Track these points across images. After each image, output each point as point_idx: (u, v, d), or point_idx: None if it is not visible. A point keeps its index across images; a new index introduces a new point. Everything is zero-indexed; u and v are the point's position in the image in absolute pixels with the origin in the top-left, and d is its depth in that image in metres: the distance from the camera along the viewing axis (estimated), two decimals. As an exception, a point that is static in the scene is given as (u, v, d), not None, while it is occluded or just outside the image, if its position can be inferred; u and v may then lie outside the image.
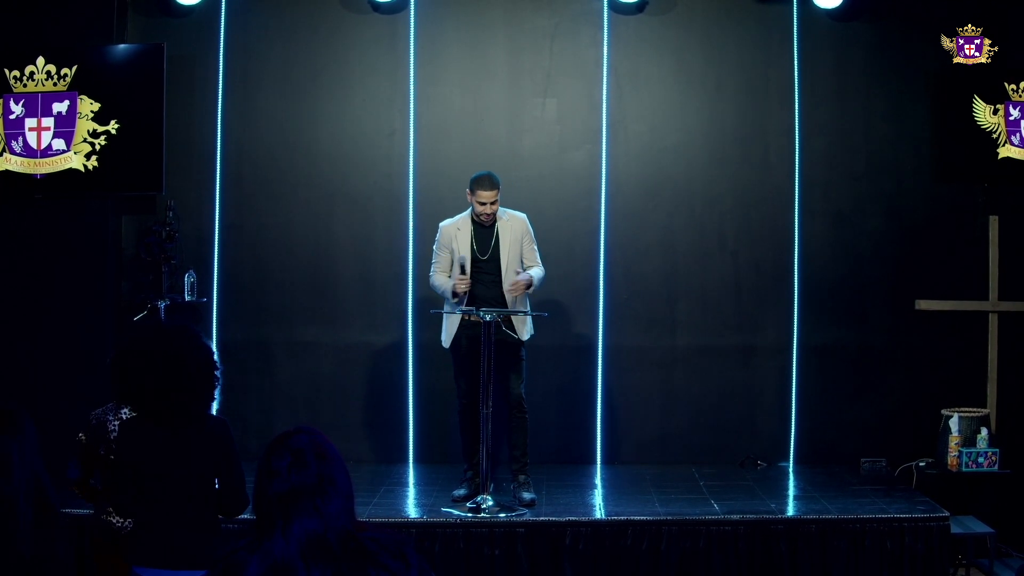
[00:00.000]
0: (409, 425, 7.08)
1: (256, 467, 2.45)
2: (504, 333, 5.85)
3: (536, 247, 6.11)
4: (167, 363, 3.43)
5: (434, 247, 6.13)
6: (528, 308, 6.07)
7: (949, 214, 7.08)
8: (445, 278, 6.01)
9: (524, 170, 7.02)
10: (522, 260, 6.03)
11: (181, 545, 3.43)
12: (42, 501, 2.98)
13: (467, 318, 5.89)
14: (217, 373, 3.58)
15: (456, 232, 6.02)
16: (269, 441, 2.47)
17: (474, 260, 5.95)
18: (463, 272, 5.86)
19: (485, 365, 5.71)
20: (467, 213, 6.06)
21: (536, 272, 6.00)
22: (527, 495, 5.93)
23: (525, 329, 6.05)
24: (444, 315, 6.05)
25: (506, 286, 5.93)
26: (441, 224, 6.13)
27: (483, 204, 5.89)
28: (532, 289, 5.99)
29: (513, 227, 6.03)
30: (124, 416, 3.96)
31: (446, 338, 6.06)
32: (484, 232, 6.01)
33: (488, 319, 5.68)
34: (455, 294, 5.88)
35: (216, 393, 3.59)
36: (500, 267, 5.97)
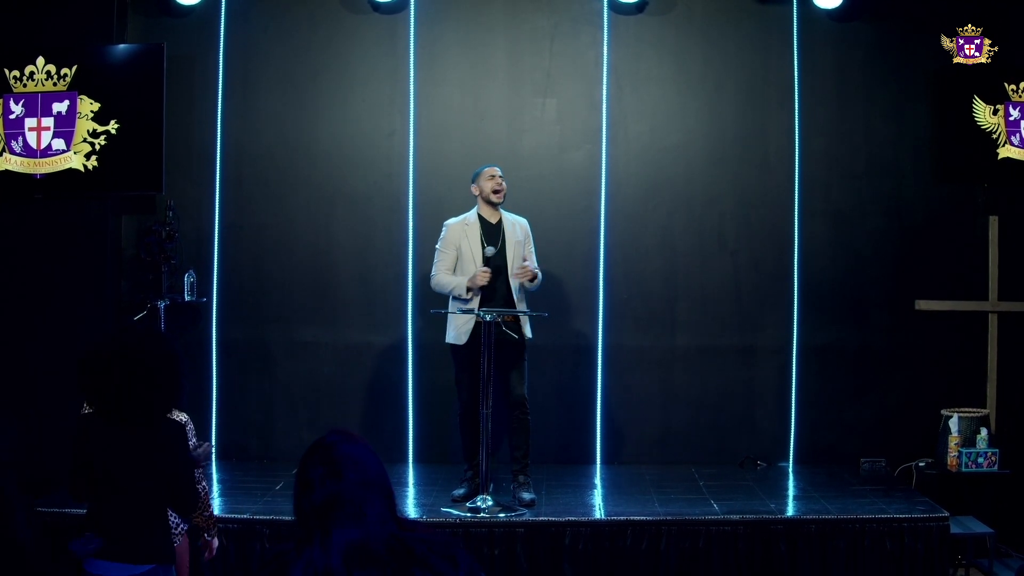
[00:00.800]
0: (409, 425, 7.08)
1: (294, 478, 2.40)
2: (509, 333, 5.84)
3: (535, 253, 6.16)
4: (124, 365, 3.47)
5: (437, 246, 6.12)
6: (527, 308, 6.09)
7: (949, 214, 7.09)
8: (451, 276, 6.00)
9: (524, 170, 7.02)
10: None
11: (129, 540, 3.49)
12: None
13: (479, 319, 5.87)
14: (181, 379, 3.58)
15: (465, 229, 6.04)
16: (304, 449, 2.42)
17: (483, 254, 5.96)
18: (486, 264, 5.90)
19: (485, 365, 5.71)
20: (473, 211, 6.08)
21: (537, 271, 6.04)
22: (527, 495, 5.93)
23: (527, 328, 6.05)
24: (450, 314, 6.03)
25: (513, 271, 5.94)
26: (447, 223, 6.13)
27: (493, 178, 6.03)
28: (533, 285, 6.00)
29: (517, 227, 6.09)
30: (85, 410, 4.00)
31: (456, 336, 6.00)
32: (492, 229, 6.04)
33: (488, 319, 5.68)
34: (470, 288, 5.88)
35: (179, 397, 3.61)
36: (507, 262, 5.98)
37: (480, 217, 6.06)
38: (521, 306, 6.00)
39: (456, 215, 6.25)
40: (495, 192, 6.00)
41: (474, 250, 5.97)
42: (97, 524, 3.53)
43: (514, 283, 5.98)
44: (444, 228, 6.13)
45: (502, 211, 6.10)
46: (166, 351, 3.56)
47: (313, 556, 2.29)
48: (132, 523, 3.51)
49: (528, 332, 6.05)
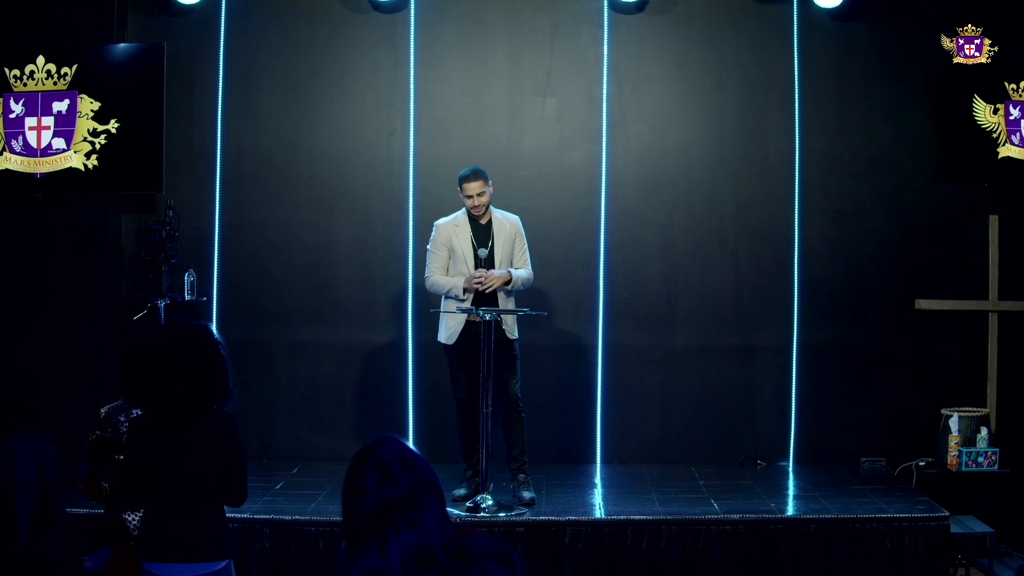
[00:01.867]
0: (409, 425, 7.08)
1: (342, 486, 2.36)
2: (500, 332, 5.85)
3: (527, 250, 6.12)
4: (173, 361, 3.44)
5: (428, 247, 6.11)
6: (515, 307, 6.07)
7: (949, 214, 7.08)
8: (447, 277, 6.00)
9: (524, 169, 7.02)
10: (512, 261, 6.05)
11: (190, 539, 3.46)
12: (47, 501, 2.97)
13: (472, 318, 5.88)
14: (228, 371, 3.56)
15: (455, 228, 6.03)
16: (352, 456, 2.37)
17: (475, 254, 5.95)
18: (479, 265, 5.88)
19: (485, 364, 5.70)
20: (462, 211, 6.06)
21: (520, 272, 6.01)
22: (527, 494, 5.93)
23: (512, 328, 6.01)
24: (442, 313, 6.05)
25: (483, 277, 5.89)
26: (437, 223, 6.12)
27: (469, 197, 5.92)
28: (511, 287, 5.96)
29: (507, 226, 6.06)
30: (134, 413, 3.97)
31: (447, 336, 6.02)
32: (481, 229, 6.02)
33: (488, 318, 5.68)
34: (467, 290, 5.86)
35: (226, 393, 3.57)
36: (496, 262, 5.97)
37: (470, 216, 6.03)
38: (508, 305, 5.97)
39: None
40: (474, 209, 5.95)
41: (465, 250, 5.97)
42: (155, 525, 3.49)
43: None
44: (434, 228, 6.11)
45: (493, 209, 6.07)
46: (211, 344, 3.54)
47: (370, 563, 2.26)
48: (193, 521, 3.47)
49: (511, 331, 5.98)
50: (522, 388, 6.12)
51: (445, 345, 6.06)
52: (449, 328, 6.01)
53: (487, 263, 5.95)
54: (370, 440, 2.38)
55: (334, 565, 2.31)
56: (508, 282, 5.93)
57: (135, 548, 3.65)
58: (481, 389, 5.74)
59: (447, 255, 6.02)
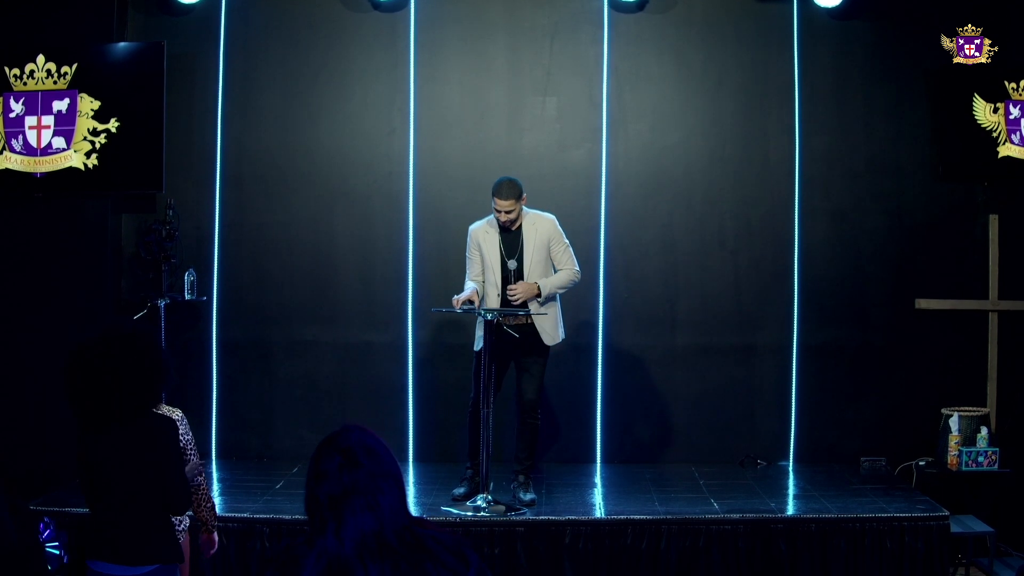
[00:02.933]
0: (409, 424, 7.08)
1: (307, 470, 2.41)
2: (510, 332, 5.82)
3: (569, 248, 6.00)
4: (99, 364, 3.46)
5: (466, 253, 6.08)
6: (558, 313, 6.01)
7: (949, 213, 7.08)
8: (470, 285, 5.93)
9: (524, 169, 7.00)
10: (553, 264, 5.97)
11: (131, 541, 3.48)
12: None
13: (504, 320, 5.81)
14: (160, 372, 3.55)
15: (484, 234, 5.97)
16: (307, 447, 2.45)
17: (502, 265, 5.90)
18: (507, 275, 5.82)
19: (485, 365, 5.70)
20: (494, 216, 5.97)
21: (553, 279, 5.91)
22: (527, 495, 5.93)
23: (551, 334, 5.93)
24: (447, 311, 6.00)
25: (518, 282, 5.86)
26: (471, 227, 6.07)
27: (499, 212, 5.83)
28: (544, 297, 5.87)
29: (539, 230, 5.93)
30: None
31: (477, 341, 5.96)
32: (511, 235, 5.94)
33: (489, 317, 5.68)
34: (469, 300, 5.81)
35: (158, 394, 3.59)
36: (524, 270, 5.90)
37: (500, 224, 5.95)
38: (541, 310, 5.89)
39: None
40: (502, 223, 5.87)
41: (492, 259, 5.91)
42: (99, 526, 3.52)
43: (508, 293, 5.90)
44: (468, 233, 6.05)
45: (526, 211, 5.96)
46: (140, 346, 3.53)
47: (327, 545, 2.31)
48: (131, 523, 3.49)
49: (552, 339, 5.94)
50: (541, 397, 6.09)
51: (476, 352, 5.99)
52: (479, 335, 5.92)
53: (517, 274, 5.88)
54: (336, 428, 2.44)
55: (294, 551, 2.35)
56: (537, 294, 5.83)
57: (84, 546, 3.67)
58: (482, 389, 5.74)
59: (479, 259, 5.97)
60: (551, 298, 5.95)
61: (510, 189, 5.82)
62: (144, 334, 3.61)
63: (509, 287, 5.83)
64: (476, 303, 5.83)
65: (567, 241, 6.02)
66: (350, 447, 2.37)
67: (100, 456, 3.49)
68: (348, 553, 2.29)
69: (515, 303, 5.82)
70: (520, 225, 5.93)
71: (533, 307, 5.88)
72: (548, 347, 5.99)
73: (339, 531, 2.31)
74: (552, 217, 6.04)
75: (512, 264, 5.87)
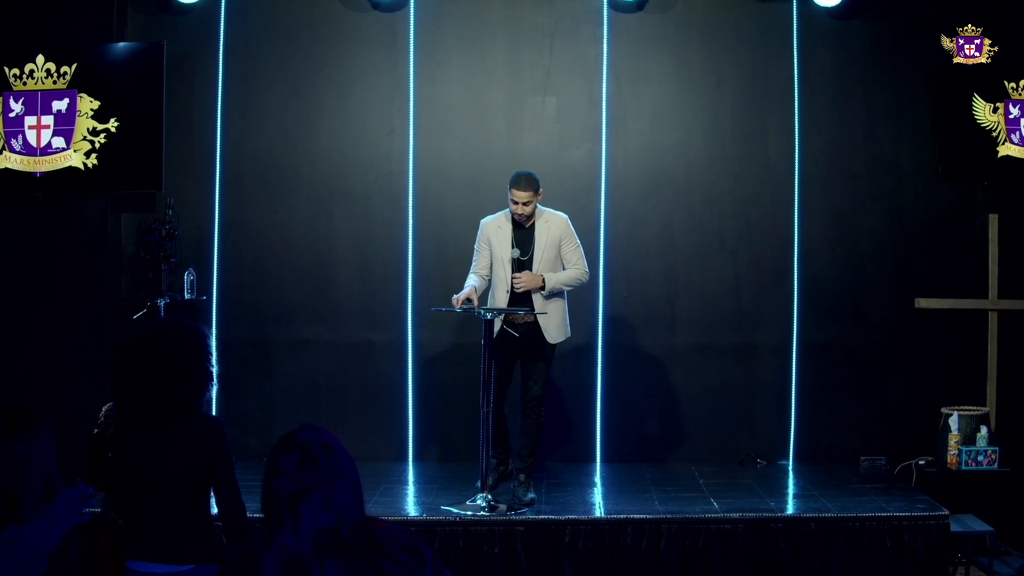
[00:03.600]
0: (409, 423, 7.08)
1: (264, 468, 2.45)
2: (510, 331, 5.83)
3: (579, 248, 6.02)
4: (149, 359, 3.43)
5: (475, 245, 6.10)
6: (564, 311, 6.02)
7: (949, 212, 7.09)
8: (472, 280, 5.95)
9: (524, 168, 7.00)
10: (563, 262, 5.99)
11: (171, 540, 3.45)
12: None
13: (512, 319, 5.84)
14: (211, 370, 3.55)
15: (496, 229, 6.00)
16: (274, 442, 2.48)
17: (512, 258, 5.93)
18: (514, 267, 5.85)
19: (485, 365, 5.70)
20: (507, 210, 6.01)
21: (560, 275, 5.93)
22: (527, 495, 5.93)
23: (555, 332, 5.95)
24: (447, 311, 6.03)
25: (526, 276, 5.87)
26: (482, 221, 6.10)
27: (516, 203, 5.86)
28: (548, 291, 5.89)
29: (551, 228, 5.96)
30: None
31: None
32: (523, 231, 5.97)
33: (488, 317, 5.68)
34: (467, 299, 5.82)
35: (207, 390, 3.56)
36: (533, 266, 5.92)
37: (512, 219, 5.99)
38: (546, 308, 5.90)
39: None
40: (517, 216, 5.91)
41: (503, 252, 5.94)
42: (138, 525, 3.49)
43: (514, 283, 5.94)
44: (480, 226, 6.09)
45: (540, 209, 5.99)
46: (190, 343, 3.51)
47: (285, 541, 2.34)
48: (173, 522, 3.46)
49: (556, 336, 5.96)
50: (545, 393, 6.11)
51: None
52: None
53: (526, 267, 5.91)
54: (294, 428, 2.48)
55: (251, 552, 2.38)
56: (541, 287, 5.86)
57: (119, 544, 3.64)
58: (481, 389, 5.74)
59: (488, 254, 6.00)
60: (556, 294, 5.96)
61: (528, 182, 5.86)
62: (198, 330, 3.59)
63: (514, 275, 5.86)
64: (475, 302, 5.83)
65: (578, 241, 6.05)
66: (308, 445, 2.41)
67: (143, 454, 3.45)
68: (305, 549, 2.32)
69: (518, 291, 5.85)
70: (533, 222, 5.95)
71: (537, 301, 5.90)
72: (553, 345, 5.99)
73: (296, 527, 2.34)
74: (565, 216, 6.06)
75: (515, 252, 5.89)
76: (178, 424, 3.47)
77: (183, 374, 3.45)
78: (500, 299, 5.94)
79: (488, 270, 6.02)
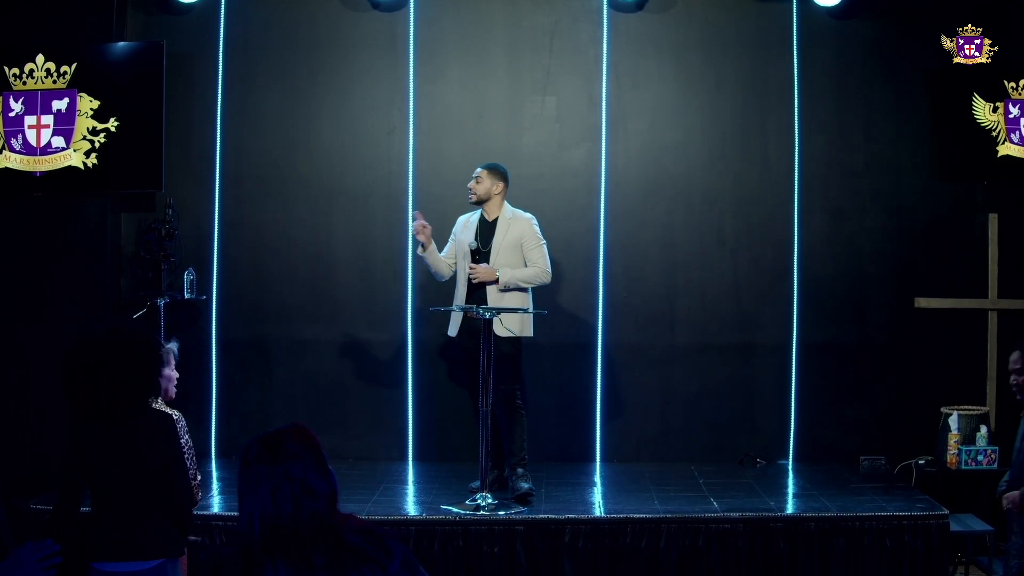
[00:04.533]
0: (408, 423, 7.08)
1: None
2: (474, 321, 5.87)
3: (542, 248, 6.08)
4: (88, 361, 3.47)
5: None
6: (529, 305, 6.07)
7: (949, 212, 7.09)
8: (441, 261, 6.21)
9: (523, 168, 7.01)
10: (525, 261, 6.07)
11: (133, 536, 3.48)
12: None
13: (470, 315, 5.90)
14: (151, 369, 3.57)
15: (465, 224, 6.22)
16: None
17: (473, 252, 6.05)
18: (473, 258, 6.03)
19: (484, 363, 5.71)
20: (479, 211, 6.17)
21: (516, 272, 6.00)
22: (523, 484, 5.92)
23: (507, 324, 5.94)
24: (447, 310, 6.09)
25: (490, 286, 5.99)
26: (460, 217, 6.31)
27: (471, 180, 6.11)
28: (502, 284, 5.96)
29: (513, 226, 6.08)
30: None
31: (451, 328, 6.17)
32: (487, 227, 6.10)
33: (488, 316, 5.69)
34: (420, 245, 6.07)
35: (157, 388, 3.63)
36: (490, 260, 6.03)
37: (481, 215, 6.16)
38: (502, 302, 5.96)
39: (456, 213, 6.33)
40: (471, 193, 6.14)
41: (465, 245, 6.12)
42: (99, 524, 3.52)
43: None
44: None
45: (506, 207, 6.11)
46: (134, 340, 3.54)
47: (243, 536, 2.37)
48: (132, 519, 3.50)
49: (510, 330, 5.95)
50: (520, 386, 6.14)
51: (450, 338, 6.20)
52: (453, 321, 6.15)
53: (483, 258, 6.04)
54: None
55: (221, 552, 2.48)
56: (494, 280, 5.97)
57: (83, 548, 3.66)
58: (481, 387, 5.74)
59: (454, 246, 6.23)
60: (513, 288, 6.01)
61: (489, 165, 6.17)
62: (137, 329, 3.65)
63: (470, 265, 6.01)
64: (427, 246, 6.05)
65: (543, 241, 6.12)
66: (275, 439, 2.42)
67: (99, 453, 3.50)
68: (257, 544, 2.33)
69: (473, 281, 6.00)
70: (497, 217, 6.09)
71: (491, 294, 5.98)
72: (512, 339, 6.00)
73: (252, 519, 2.36)
74: (531, 217, 6.16)
75: (472, 244, 6.04)
76: (131, 422, 3.50)
77: (127, 373, 3.48)
78: (459, 291, 6.13)
79: (453, 259, 6.21)
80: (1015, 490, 4.52)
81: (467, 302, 6.00)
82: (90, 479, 3.53)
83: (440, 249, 6.24)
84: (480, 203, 6.12)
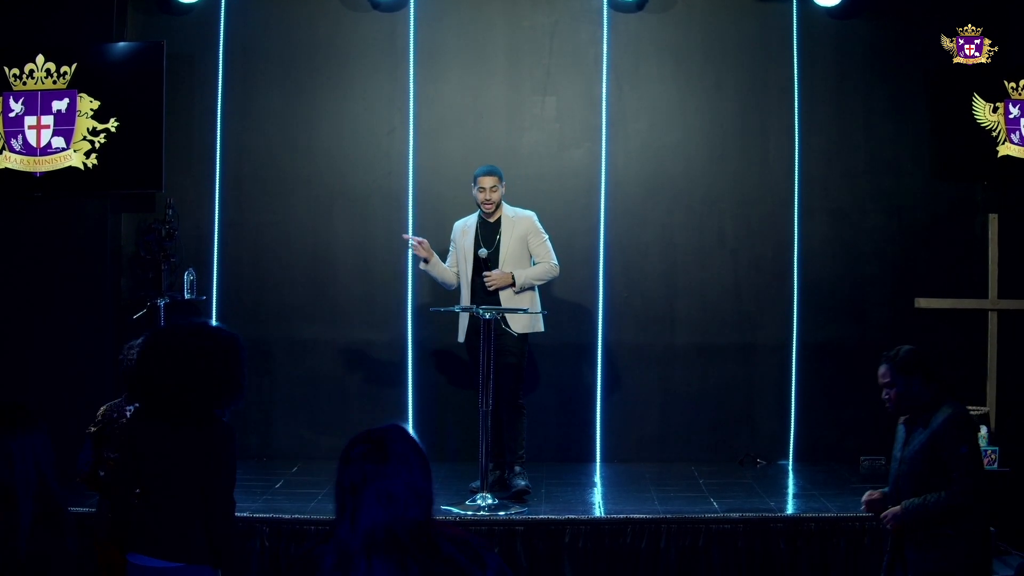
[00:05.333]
0: (408, 424, 7.08)
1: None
2: (500, 327, 5.87)
3: (546, 243, 6.12)
4: (176, 355, 3.43)
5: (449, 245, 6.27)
6: (537, 303, 6.07)
7: (949, 212, 7.09)
8: (445, 268, 6.17)
9: (523, 168, 7.02)
10: (532, 259, 6.08)
11: (173, 537, 3.46)
12: (48, 502, 2.97)
13: (474, 315, 5.91)
14: (239, 380, 3.51)
15: (464, 229, 6.17)
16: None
17: (475, 255, 6.02)
18: (481, 265, 5.96)
19: (484, 362, 5.71)
20: (476, 213, 6.15)
21: (529, 271, 6.02)
22: (520, 482, 5.94)
23: (523, 323, 6.01)
24: (447, 311, 6.09)
25: (489, 277, 5.97)
26: (455, 223, 6.26)
27: (483, 191, 6.01)
28: (520, 286, 5.97)
29: (517, 225, 6.08)
30: (131, 410, 4.00)
31: (460, 333, 6.12)
32: (489, 229, 6.09)
33: (488, 316, 5.69)
34: (424, 260, 6.06)
35: (231, 399, 3.51)
36: (499, 261, 6.01)
37: (480, 217, 6.13)
38: (513, 303, 5.98)
39: (455, 213, 6.32)
40: (485, 203, 6.06)
41: (467, 250, 6.08)
42: (141, 519, 3.50)
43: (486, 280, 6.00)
44: (453, 228, 6.27)
45: (505, 207, 6.13)
46: (218, 348, 3.48)
47: (340, 534, 2.31)
48: (176, 518, 3.46)
49: (522, 328, 6.01)
50: (523, 385, 6.14)
51: (459, 342, 6.16)
52: (460, 325, 6.12)
53: (492, 262, 5.99)
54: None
55: (312, 552, 2.37)
56: (512, 283, 5.95)
57: (122, 539, 3.65)
58: (480, 387, 5.74)
59: (455, 253, 6.18)
60: (527, 288, 6.03)
61: (492, 170, 6.09)
62: (223, 329, 3.58)
63: (484, 273, 5.96)
64: (431, 260, 6.03)
65: (546, 236, 6.14)
66: (381, 438, 2.37)
67: (152, 451, 3.46)
68: (357, 544, 2.28)
69: (490, 289, 5.96)
70: (499, 218, 6.07)
71: (506, 297, 5.97)
72: (520, 337, 6.02)
73: (354, 520, 2.30)
74: (531, 213, 6.18)
75: (483, 252, 5.98)
76: (191, 426, 3.46)
77: (206, 377, 3.43)
78: (464, 296, 6.09)
79: (456, 267, 6.17)
80: (894, 505, 4.32)
81: (477, 304, 5.93)
82: (139, 477, 3.49)
83: (443, 259, 6.23)
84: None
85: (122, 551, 3.61)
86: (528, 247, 6.09)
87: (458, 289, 6.20)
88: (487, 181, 6.03)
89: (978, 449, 4.29)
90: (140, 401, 3.53)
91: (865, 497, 4.49)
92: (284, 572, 2.30)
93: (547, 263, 6.10)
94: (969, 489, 4.13)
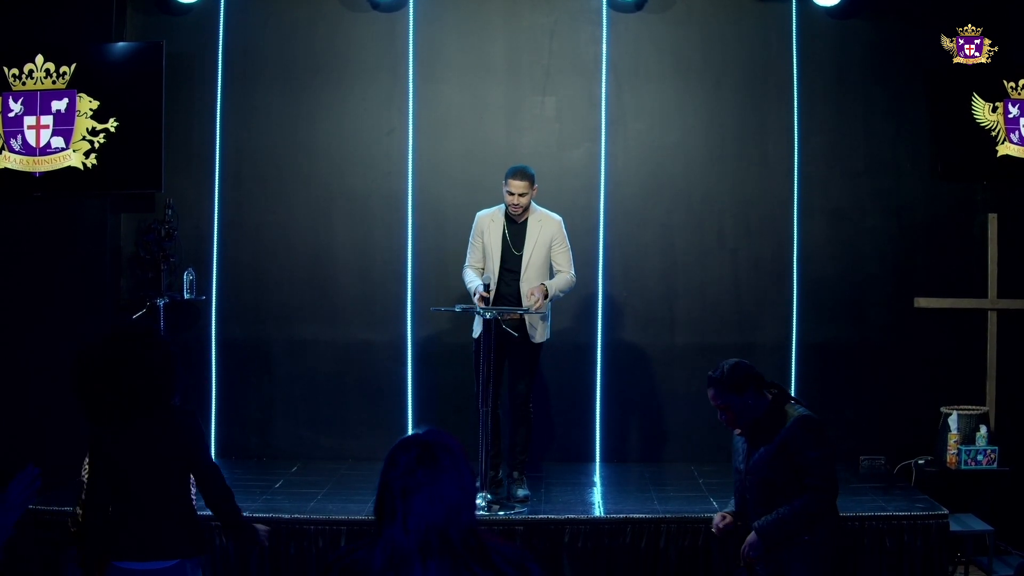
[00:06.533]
0: (408, 423, 7.08)
1: (383, 462, 2.43)
2: (509, 331, 5.84)
3: (568, 252, 6.05)
4: (102, 364, 3.50)
5: (470, 237, 6.13)
6: (548, 313, 6.04)
7: (948, 212, 7.09)
8: (474, 276, 6.00)
9: (523, 168, 7.02)
10: (551, 264, 6.01)
11: (156, 536, 3.50)
12: None
13: (507, 317, 5.86)
14: (172, 365, 3.59)
15: (489, 223, 6.03)
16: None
17: (502, 255, 5.95)
18: (487, 290, 5.81)
19: (484, 364, 5.71)
20: (502, 205, 6.03)
21: (556, 281, 5.96)
22: (521, 491, 5.92)
23: (540, 332, 6.00)
24: (446, 310, 6.07)
25: (523, 289, 5.90)
26: (478, 214, 6.13)
27: (511, 194, 5.88)
28: (551, 297, 5.92)
29: (544, 227, 5.99)
30: None
31: (475, 328, 6.05)
32: (515, 227, 6.00)
33: (488, 316, 5.68)
34: (483, 298, 5.84)
35: (174, 386, 3.62)
36: (523, 265, 5.95)
37: (507, 214, 6.01)
38: (532, 311, 5.93)
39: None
40: (512, 207, 5.93)
41: (494, 248, 5.97)
42: (122, 524, 3.53)
43: (524, 286, 5.93)
44: (475, 218, 6.12)
45: (534, 207, 6.02)
46: (146, 341, 3.57)
47: (393, 535, 2.31)
48: (156, 518, 3.51)
49: (540, 336, 5.99)
50: (534, 391, 6.13)
51: (475, 340, 6.06)
52: (476, 321, 6.02)
53: (515, 263, 5.95)
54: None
55: (352, 556, 2.37)
56: (546, 295, 5.86)
57: (105, 547, 3.66)
58: (481, 388, 5.74)
59: (481, 247, 6.04)
60: (554, 299, 6.01)
61: (524, 174, 5.91)
62: (148, 330, 3.67)
63: (532, 296, 5.79)
64: (490, 298, 5.84)
65: (568, 244, 6.06)
66: (430, 443, 2.38)
67: (120, 454, 3.51)
68: (411, 546, 2.30)
69: (539, 312, 5.85)
70: (526, 219, 5.97)
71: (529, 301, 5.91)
72: (539, 344, 6.02)
73: (406, 522, 2.31)
74: (559, 218, 6.08)
75: (490, 286, 5.84)
76: (150, 420, 3.52)
77: (143, 373, 3.50)
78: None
79: (482, 263, 6.05)
80: (742, 520, 4.28)
81: (498, 303, 5.90)
82: (112, 480, 3.54)
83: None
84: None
85: (102, 566, 3.62)
86: (550, 251, 5.99)
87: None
88: (517, 186, 5.86)
89: (830, 452, 4.19)
90: (90, 414, 3.57)
91: (717, 522, 4.34)
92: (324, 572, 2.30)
93: (568, 273, 6.01)
94: (825, 494, 4.08)
